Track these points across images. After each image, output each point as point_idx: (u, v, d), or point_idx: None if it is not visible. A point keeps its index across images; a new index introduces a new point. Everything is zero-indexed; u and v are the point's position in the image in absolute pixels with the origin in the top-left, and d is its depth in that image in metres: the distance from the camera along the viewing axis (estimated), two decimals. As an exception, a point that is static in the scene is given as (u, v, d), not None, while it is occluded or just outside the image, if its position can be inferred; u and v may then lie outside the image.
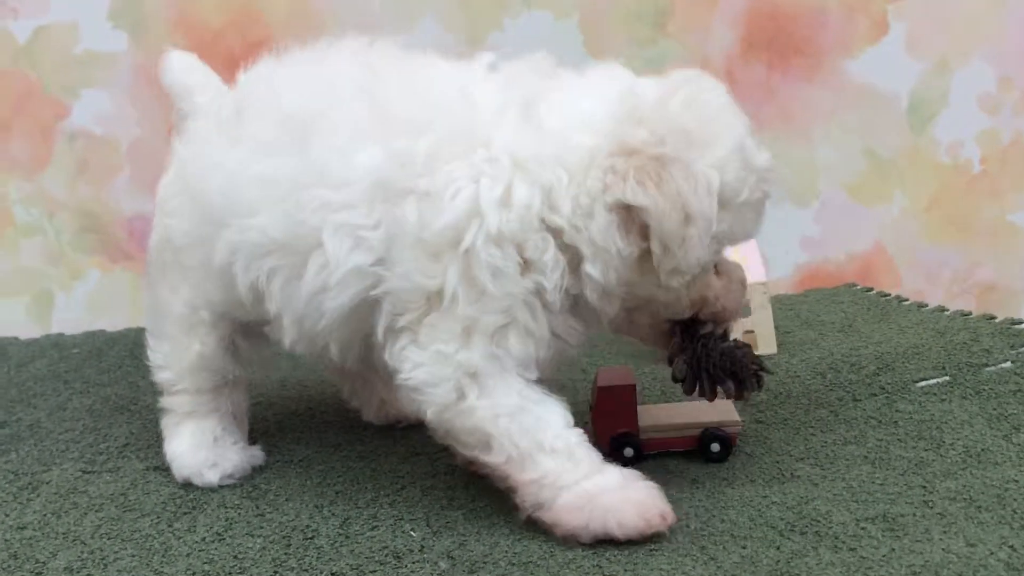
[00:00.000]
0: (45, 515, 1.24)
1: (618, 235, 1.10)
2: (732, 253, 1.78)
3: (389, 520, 1.18)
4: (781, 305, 1.98)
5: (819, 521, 1.12)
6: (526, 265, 1.10)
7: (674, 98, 1.13)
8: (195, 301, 1.28)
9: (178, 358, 1.32)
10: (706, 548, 1.08)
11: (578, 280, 1.12)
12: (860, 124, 2.15)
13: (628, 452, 1.29)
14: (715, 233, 1.12)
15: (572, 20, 2.08)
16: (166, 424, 1.36)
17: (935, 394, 1.45)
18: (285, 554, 1.12)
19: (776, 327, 1.77)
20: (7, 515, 1.24)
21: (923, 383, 1.49)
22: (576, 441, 1.12)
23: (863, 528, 1.10)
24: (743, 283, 1.25)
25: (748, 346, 1.24)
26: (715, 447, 1.30)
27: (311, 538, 1.15)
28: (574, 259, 1.11)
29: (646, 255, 1.11)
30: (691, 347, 1.21)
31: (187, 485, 1.30)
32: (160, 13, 2.04)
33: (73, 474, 1.36)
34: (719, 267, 1.21)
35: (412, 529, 1.16)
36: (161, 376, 1.34)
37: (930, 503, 1.14)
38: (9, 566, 1.12)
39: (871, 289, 2.07)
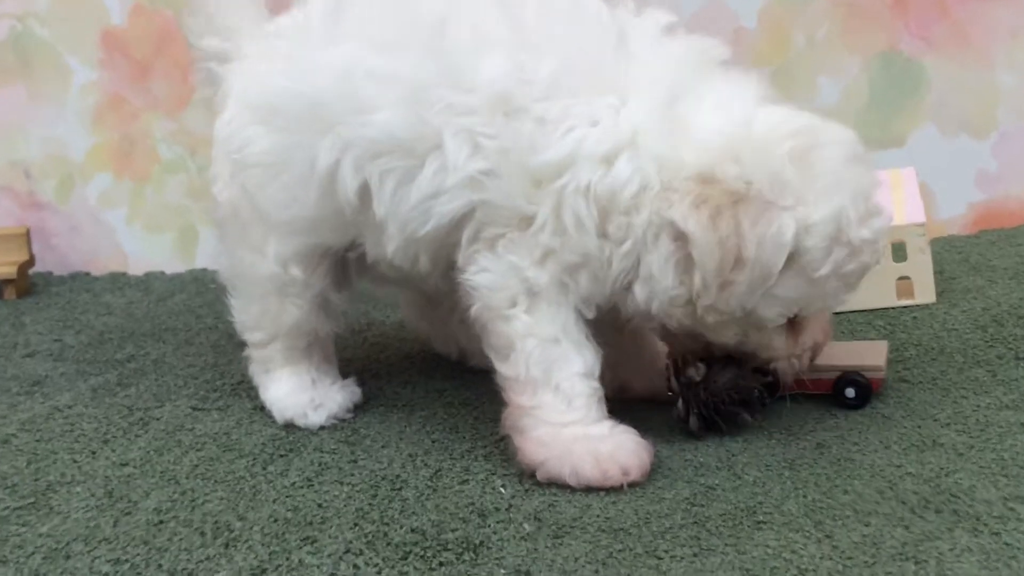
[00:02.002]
0: (148, 452, 1.24)
1: (672, 272, 1.05)
2: (888, 189, 1.64)
3: (481, 474, 1.12)
4: (949, 248, 1.78)
5: (959, 497, 0.99)
6: (605, 236, 1.06)
7: (784, 144, 1.05)
8: (284, 254, 1.24)
9: (271, 321, 1.28)
10: (822, 524, 0.97)
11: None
12: (1050, 45, 1.90)
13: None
14: (780, 295, 1.06)
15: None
16: (256, 372, 1.34)
17: (1118, 354, 1.26)
18: (369, 505, 1.07)
19: (939, 272, 1.60)
20: (114, 451, 1.25)
21: (1105, 340, 1.30)
22: (583, 390, 1.09)
23: (1011, 509, 0.96)
24: (814, 351, 1.15)
25: (745, 360, 1.14)
26: (849, 392, 1.19)
27: (399, 489, 1.10)
28: (634, 267, 1.07)
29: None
30: (694, 393, 1.13)
31: (288, 427, 1.28)
32: (292, -55, 2.00)
33: (184, 411, 1.36)
34: (795, 325, 1.12)
35: (503, 485, 1.09)
36: (252, 336, 1.32)
37: (1097, 483, 0.98)
38: (102, 504, 1.12)
39: (1056, 231, 1.84)
